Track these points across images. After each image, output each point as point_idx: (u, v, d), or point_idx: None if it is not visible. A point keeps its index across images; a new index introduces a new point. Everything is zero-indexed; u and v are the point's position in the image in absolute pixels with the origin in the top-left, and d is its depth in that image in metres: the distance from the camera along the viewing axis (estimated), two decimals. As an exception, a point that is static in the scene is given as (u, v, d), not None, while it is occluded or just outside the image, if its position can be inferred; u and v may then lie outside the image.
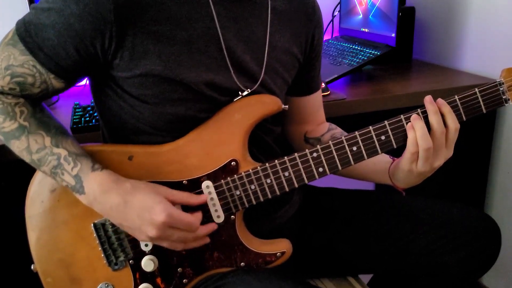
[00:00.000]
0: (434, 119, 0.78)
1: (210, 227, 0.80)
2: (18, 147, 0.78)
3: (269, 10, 0.85)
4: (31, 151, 0.77)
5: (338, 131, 1.01)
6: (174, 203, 0.76)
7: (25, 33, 0.74)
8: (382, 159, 0.89)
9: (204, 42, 0.78)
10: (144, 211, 0.73)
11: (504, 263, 1.49)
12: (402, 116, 0.79)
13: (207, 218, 0.81)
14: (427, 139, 0.77)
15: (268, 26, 0.85)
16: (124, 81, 0.78)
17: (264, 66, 0.85)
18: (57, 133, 0.78)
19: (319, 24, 0.95)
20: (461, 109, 0.79)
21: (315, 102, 1.03)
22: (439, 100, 0.79)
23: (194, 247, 0.80)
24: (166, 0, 0.75)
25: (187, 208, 0.78)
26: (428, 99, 0.79)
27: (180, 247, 0.78)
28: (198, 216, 0.77)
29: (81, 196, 0.77)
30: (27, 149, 0.77)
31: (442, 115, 0.78)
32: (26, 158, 0.78)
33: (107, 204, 0.75)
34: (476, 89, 0.79)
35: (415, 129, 0.78)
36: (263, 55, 0.85)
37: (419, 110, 0.79)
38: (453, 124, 0.78)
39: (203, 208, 0.81)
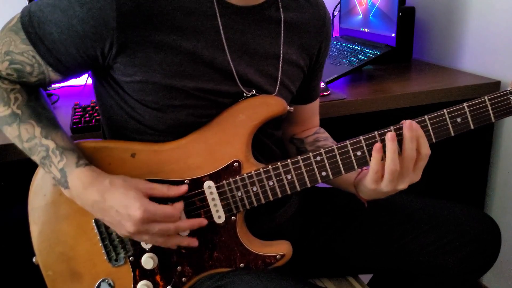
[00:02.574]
0: (408, 146, 0.74)
1: (196, 222, 0.78)
2: (10, 133, 0.79)
3: (282, 23, 0.85)
4: (22, 140, 0.78)
5: (324, 135, 1.01)
6: (153, 196, 0.76)
7: (29, 22, 0.74)
8: None
9: (209, 54, 0.78)
10: (121, 208, 0.73)
11: (504, 263, 1.50)
12: (392, 128, 0.76)
13: (208, 218, 0.81)
14: (395, 162, 0.74)
15: (282, 40, 0.85)
16: (125, 84, 0.78)
17: (279, 79, 0.85)
18: (47, 124, 0.79)
19: (328, 36, 0.95)
20: (469, 118, 0.76)
21: (311, 109, 1.03)
22: (414, 124, 0.75)
23: (178, 245, 0.79)
24: (171, 11, 0.74)
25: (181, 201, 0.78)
26: (407, 125, 0.74)
27: (160, 241, 0.77)
28: (177, 206, 0.77)
29: (66, 191, 0.77)
30: (18, 137, 0.78)
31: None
32: (18, 145, 0.79)
33: (88, 201, 0.76)
34: (486, 97, 0.76)
35: (386, 149, 0.75)
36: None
37: (394, 131, 0.75)
38: (425, 150, 0.75)
39: (204, 208, 0.81)
